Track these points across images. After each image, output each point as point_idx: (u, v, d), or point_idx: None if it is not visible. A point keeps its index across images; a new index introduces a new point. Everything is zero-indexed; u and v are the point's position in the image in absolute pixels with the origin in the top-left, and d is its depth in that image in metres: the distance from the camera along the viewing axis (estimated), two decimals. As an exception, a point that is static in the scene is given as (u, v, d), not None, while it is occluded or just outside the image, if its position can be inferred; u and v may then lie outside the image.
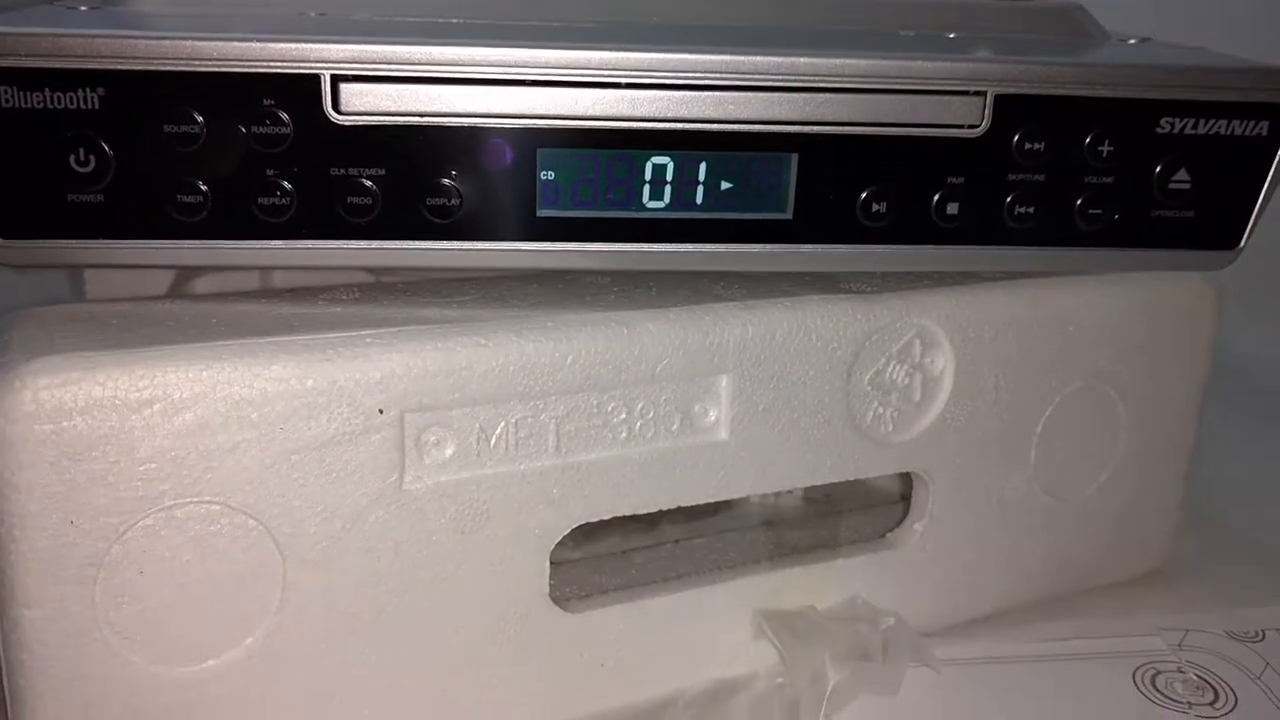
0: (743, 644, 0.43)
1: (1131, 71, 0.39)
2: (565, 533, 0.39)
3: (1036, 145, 0.39)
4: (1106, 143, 0.39)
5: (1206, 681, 0.44)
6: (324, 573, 0.35)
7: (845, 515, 0.50)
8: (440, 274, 0.42)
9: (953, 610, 0.48)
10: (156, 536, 0.33)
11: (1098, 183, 0.40)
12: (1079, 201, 0.40)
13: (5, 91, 0.34)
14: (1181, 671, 0.45)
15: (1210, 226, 0.41)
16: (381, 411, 0.35)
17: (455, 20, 0.40)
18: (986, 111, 0.38)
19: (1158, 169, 0.40)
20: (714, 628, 0.43)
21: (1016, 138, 0.39)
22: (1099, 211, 0.40)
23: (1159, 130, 0.40)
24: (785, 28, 0.42)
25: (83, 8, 0.39)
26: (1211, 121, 0.40)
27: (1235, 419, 0.68)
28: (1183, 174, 0.40)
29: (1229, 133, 0.40)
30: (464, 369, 0.36)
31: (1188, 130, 0.40)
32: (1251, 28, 0.81)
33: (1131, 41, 0.45)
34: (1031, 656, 0.46)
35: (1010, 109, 0.38)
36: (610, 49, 0.36)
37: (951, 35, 0.43)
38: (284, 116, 0.35)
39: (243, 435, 0.33)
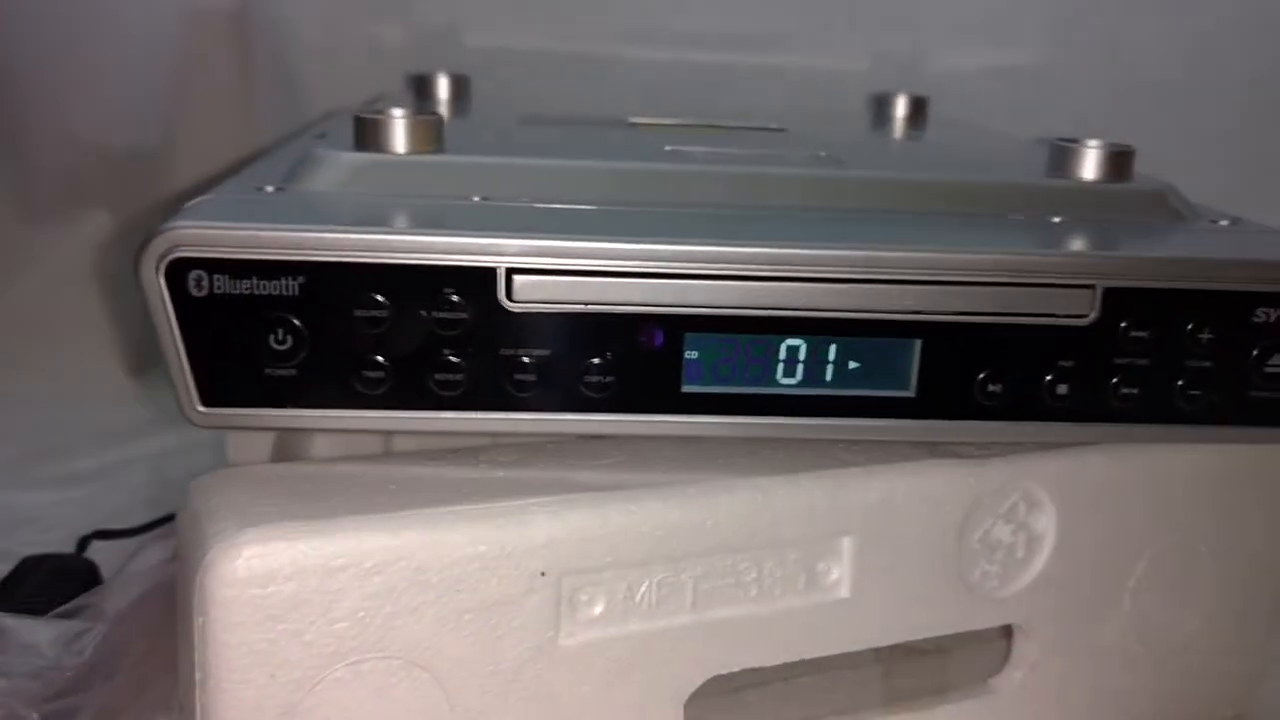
0: (854, 785, 0.46)
1: (1230, 266, 0.42)
2: (699, 684, 0.42)
3: (1141, 333, 0.42)
4: (1206, 330, 0.42)
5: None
6: (486, 721, 0.39)
7: (952, 652, 0.52)
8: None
9: (1047, 752, 0.50)
10: (344, 688, 0.37)
11: (1197, 366, 0.43)
12: (1179, 383, 0.43)
13: (219, 279, 0.38)
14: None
15: (1304, 406, 0.44)
16: (544, 574, 0.38)
17: (600, 207, 0.43)
18: (1096, 303, 0.41)
19: (1254, 353, 0.43)
20: (828, 770, 0.45)
21: (1123, 326, 0.42)
22: (1198, 393, 0.43)
23: (1255, 319, 0.43)
24: (902, 211, 0.46)
25: (269, 188, 0.44)
26: (1304, 310, 0.43)
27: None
28: (1278, 359, 0.43)
29: (1320, 320, 0.43)
30: (616, 534, 0.39)
31: (1282, 319, 0.43)
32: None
33: (1223, 223, 0.48)
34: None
35: (1118, 300, 0.41)
36: (753, 245, 0.40)
37: (1056, 219, 0.46)
38: (461, 303, 0.39)
39: (423, 597, 0.37)
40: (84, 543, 0.60)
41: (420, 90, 0.72)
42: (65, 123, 0.88)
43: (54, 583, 0.54)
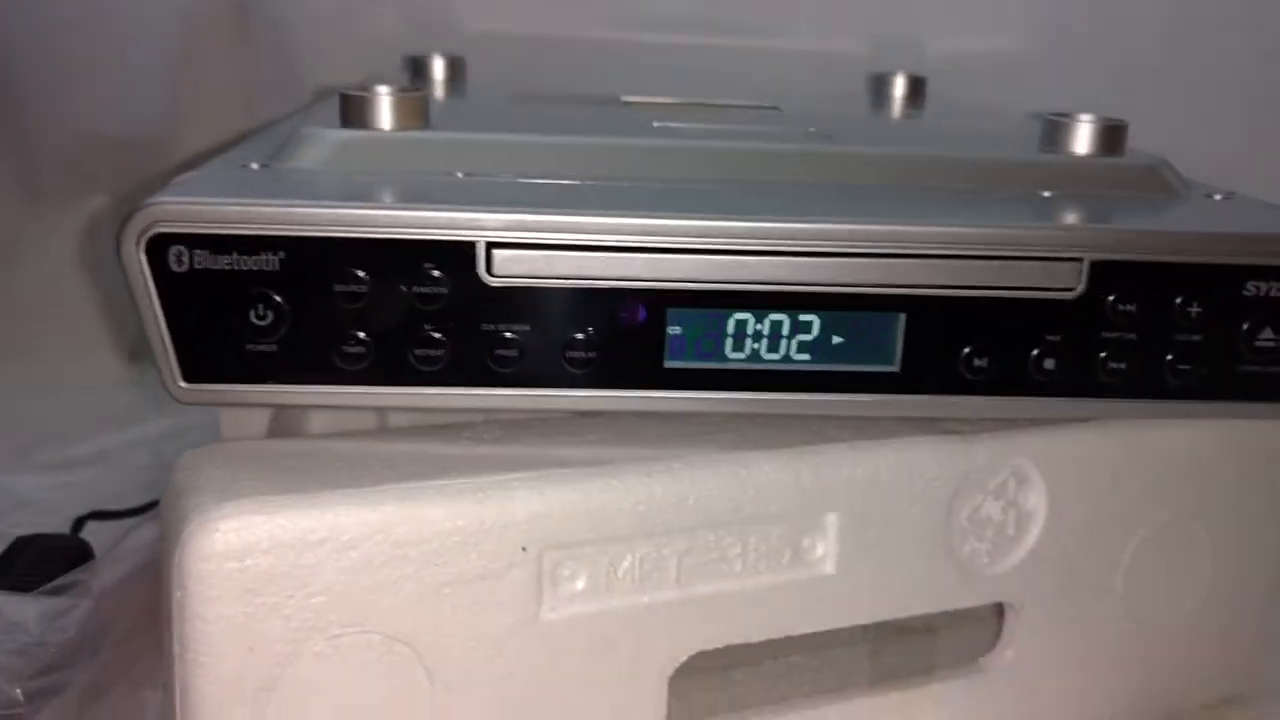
0: (843, 763, 0.46)
1: (1219, 239, 0.42)
2: (683, 660, 0.42)
3: (1129, 307, 0.41)
4: (1195, 304, 0.42)
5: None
6: (467, 696, 0.38)
7: (941, 631, 0.52)
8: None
9: (1041, 731, 0.50)
10: (324, 662, 0.37)
11: (1186, 340, 0.42)
12: (1169, 358, 0.42)
13: (199, 255, 0.38)
14: (1265, 801, 0.46)
15: (1295, 381, 0.44)
16: (524, 549, 0.38)
17: (584, 182, 0.43)
18: (1083, 276, 0.41)
19: (1244, 327, 0.42)
20: (816, 748, 0.45)
21: (1110, 299, 0.41)
22: (1188, 367, 0.43)
23: (1245, 292, 0.42)
24: (891, 187, 0.46)
25: (255, 165, 0.43)
26: (1296, 284, 0.42)
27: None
28: (1268, 333, 0.43)
29: (1312, 294, 0.42)
30: (598, 510, 0.39)
31: (1273, 293, 0.42)
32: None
33: (1216, 197, 0.48)
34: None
35: (1105, 273, 0.41)
36: (736, 219, 0.39)
37: (1047, 194, 0.46)
38: (442, 278, 0.39)
39: (401, 571, 0.37)
40: (79, 524, 0.61)
41: (416, 71, 0.72)
42: (66, 110, 0.88)
43: (47, 562, 0.54)
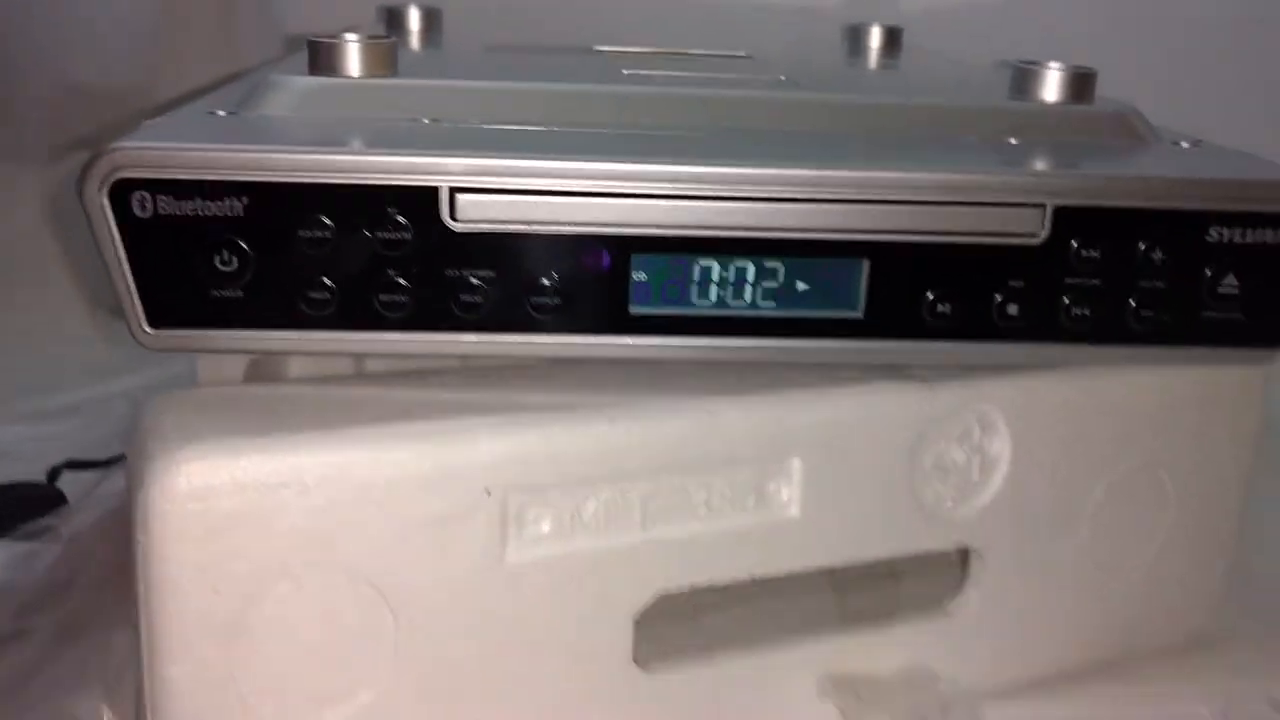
0: (810, 704, 0.46)
1: (1183, 185, 0.42)
2: (648, 602, 0.42)
3: (1092, 253, 0.42)
4: (1159, 250, 0.42)
5: (1248, 751, 0.46)
6: (432, 636, 0.39)
7: (905, 577, 0.52)
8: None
9: (1006, 673, 0.50)
10: (288, 603, 0.37)
11: (1150, 286, 0.43)
12: (1132, 303, 0.43)
13: (163, 200, 0.38)
14: (1224, 741, 0.47)
15: (1257, 327, 0.44)
16: (489, 492, 0.39)
17: (550, 128, 0.43)
18: (1046, 222, 0.41)
19: (1207, 274, 0.43)
20: (782, 688, 0.46)
21: (1074, 245, 0.42)
22: (1151, 313, 0.43)
23: (1208, 238, 0.42)
24: (858, 134, 0.46)
25: (221, 113, 0.43)
26: (1259, 230, 0.42)
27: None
28: (1231, 279, 0.43)
29: (1275, 240, 0.43)
30: (562, 453, 0.39)
31: (1236, 239, 0.42)
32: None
33: (1184, 145, 0.48)
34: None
35: (1069, 219, 0.41)
36: (700, 164, 0.39)
37: (1013, 140, 0.46)
38: (405, 223, 0.39)
39: (365, 513, 0.37)
40: (55, 473, 0.61)
41: (391, 22, 0.72)
42: (52, 65, 0.88)
43: (21, 510, 0.54)
